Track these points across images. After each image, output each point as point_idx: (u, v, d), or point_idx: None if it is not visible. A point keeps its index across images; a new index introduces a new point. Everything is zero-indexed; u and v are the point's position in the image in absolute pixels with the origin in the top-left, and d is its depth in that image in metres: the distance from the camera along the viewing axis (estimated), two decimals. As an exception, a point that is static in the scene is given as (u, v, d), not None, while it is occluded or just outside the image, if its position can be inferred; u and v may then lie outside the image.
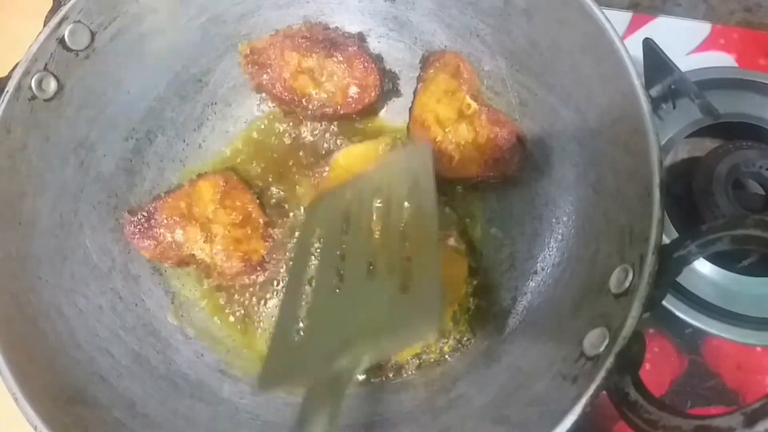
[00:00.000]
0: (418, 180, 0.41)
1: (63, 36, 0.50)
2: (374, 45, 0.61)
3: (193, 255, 0.54)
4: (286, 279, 0.53)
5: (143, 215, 0.54)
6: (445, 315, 0.50)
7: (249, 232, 0.55)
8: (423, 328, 0.34)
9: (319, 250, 0.44)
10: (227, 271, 0.54)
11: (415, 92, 0.58)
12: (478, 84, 0.56)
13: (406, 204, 0.41)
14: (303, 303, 0.41)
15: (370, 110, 0.60)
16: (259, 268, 0.55)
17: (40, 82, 0.49)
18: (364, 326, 0.36)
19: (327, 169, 0.56)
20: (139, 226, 0.53)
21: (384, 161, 0.50)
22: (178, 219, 0.54)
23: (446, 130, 0.55)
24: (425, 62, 0.58)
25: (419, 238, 0.38)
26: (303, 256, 0.44)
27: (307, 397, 0.34)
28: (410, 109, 0.58)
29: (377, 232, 0.42)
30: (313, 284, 0.41)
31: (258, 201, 0.57)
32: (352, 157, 0.56)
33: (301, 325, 0.40)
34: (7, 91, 0.48)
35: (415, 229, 0.39)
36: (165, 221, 0.54)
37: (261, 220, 0.56)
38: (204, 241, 0.54)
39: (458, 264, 0.52)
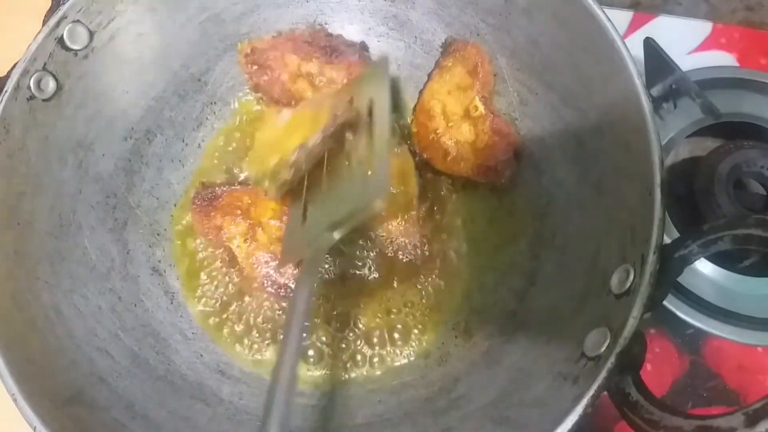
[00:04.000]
0: (377, 92, 0.48)
1: (62, 35, 0.49)
2: (374, 44, 0.60)
3: (230, 247, 0.54)
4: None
5: (210, 193, 0.55)
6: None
7: None
8: (378, 199, 0.41)
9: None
10: (250, 276, 0.54)
11: (429, 75, 0.58)
12: (492, 86, 0.56)
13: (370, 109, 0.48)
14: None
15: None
16: (280, 291, 0.54)
17: (38, 82, 0.49)
18: (343, 209, 0.45)
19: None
20: (202, 201, 0.55)
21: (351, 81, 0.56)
22: (234, 210, 0.54)
23: (449, 124, 0.56)
24: (446, 48, 0.58)
25: (377, 137, 0.45)
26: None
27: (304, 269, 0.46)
28: (420, 91, 0.58)
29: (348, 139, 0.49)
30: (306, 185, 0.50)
31: None
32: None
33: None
34: (6, 91, 0.47)
35: (375, 130, 0.46)
36: (223, 207, 0.54)
37: None
38: (244, 241, 0.54)
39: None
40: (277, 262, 0.53)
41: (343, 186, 0.47)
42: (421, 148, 0.57)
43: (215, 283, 0.56)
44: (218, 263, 0.57)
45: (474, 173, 0.55)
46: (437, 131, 0.56)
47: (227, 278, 0.56)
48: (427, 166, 0.57)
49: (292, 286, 0.53)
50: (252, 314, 0.55)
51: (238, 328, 0.55)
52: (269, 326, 0.55)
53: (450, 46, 0.57)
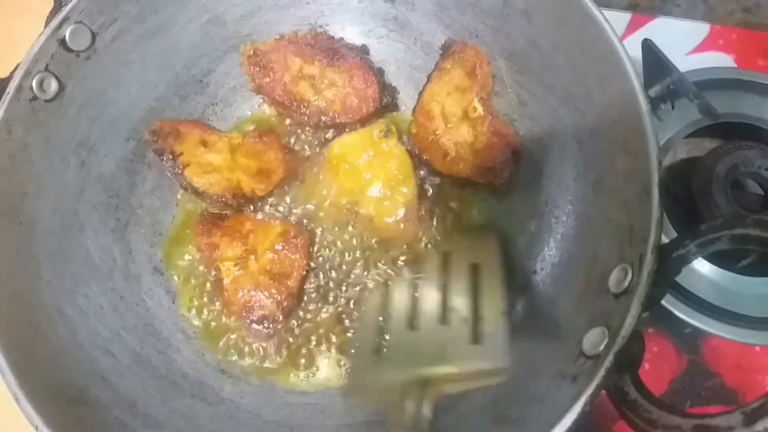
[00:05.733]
0: (485, 258, 0.50)
1: (64, 37, 0.50)
2: (374, 46, 0.61)
3: (219, 267, 0.54)
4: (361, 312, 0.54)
5: (216, 214, 0.56)
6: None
7: (274, 290, 0.53)
8: (491, 375, 0.42)
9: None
10: (230, 300, 0.53)
11: (429, 77, 0.58)
12: (491, 87, 0.56)
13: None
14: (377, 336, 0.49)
15: (366, 121, 0.59)
16: (256, 324, 0.53)
17: (41, 83, 0.49)
18: (437, 357, 0.44)
19: (323, 160, 0.57)
20: (208, 218, 0.55)
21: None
22: (234, 234, 0.54)
23: (448, 125, 0.56)
24: (446, 50, 0.58)
25: (488, 296, 0.47)
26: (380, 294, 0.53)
27: None
28: (420, 93, 0.59)
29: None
30: (391, 321, 0.49)
31: (305, 272, 0.54)
32: (347, 146, 0.57)
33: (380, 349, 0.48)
34: (8, 92, 0.48)
35: (484, 288, 0.47)
36: (225, 227, 0.55)
37: (290, 292, 0.53)
38: (234, 265, 0.53)
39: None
40: (260, 292, 0.52)
41: (437, 334, 0.46)
42: (421, 148, 0.57)
43: (198, 292, 0.56)
44: (203, 278, 0.56)
45: (473, 174, 0.55)
46: (436, 132, 0.56)
47: (210, 295, 0.55)
48: (427, 166, 0.57)
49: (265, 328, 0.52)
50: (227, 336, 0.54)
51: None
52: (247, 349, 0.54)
53: (449, 48, 0.58)
